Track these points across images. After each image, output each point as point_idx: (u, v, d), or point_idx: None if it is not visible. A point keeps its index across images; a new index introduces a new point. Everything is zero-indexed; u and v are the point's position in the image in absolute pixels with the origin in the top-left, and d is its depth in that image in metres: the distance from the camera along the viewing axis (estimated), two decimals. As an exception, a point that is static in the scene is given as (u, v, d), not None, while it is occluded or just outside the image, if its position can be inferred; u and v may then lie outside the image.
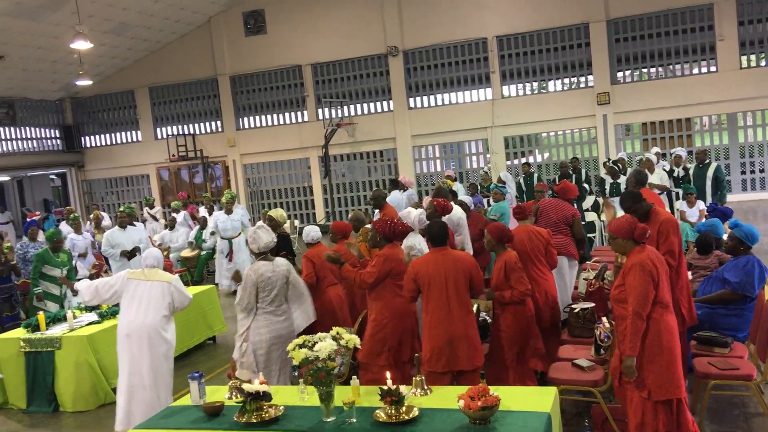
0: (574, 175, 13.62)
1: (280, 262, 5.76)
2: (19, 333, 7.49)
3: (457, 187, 13.22)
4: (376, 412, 4.02)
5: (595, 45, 18.18)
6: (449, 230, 7.01)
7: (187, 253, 13.87)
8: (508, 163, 19.53)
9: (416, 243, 6.19)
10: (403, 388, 3.98)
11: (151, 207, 16.71)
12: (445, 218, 7.13)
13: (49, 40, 17.89)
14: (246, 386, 4.26)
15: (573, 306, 6.11)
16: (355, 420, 4.00)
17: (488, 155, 19.67)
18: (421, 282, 5.08)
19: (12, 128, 21.82)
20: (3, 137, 21.55)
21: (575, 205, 8.51)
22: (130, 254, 10.55)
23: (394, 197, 11.73)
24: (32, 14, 16.32)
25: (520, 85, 19.24)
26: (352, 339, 4.30)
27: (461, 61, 19.53)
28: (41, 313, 7.72)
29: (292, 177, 21.82)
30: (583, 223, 10.83)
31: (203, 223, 14.07)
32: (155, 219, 16.25)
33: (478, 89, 19.63)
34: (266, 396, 4.26)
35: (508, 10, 18.76)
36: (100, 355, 7.13)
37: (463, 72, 19.57)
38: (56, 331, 7.34)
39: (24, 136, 22.43)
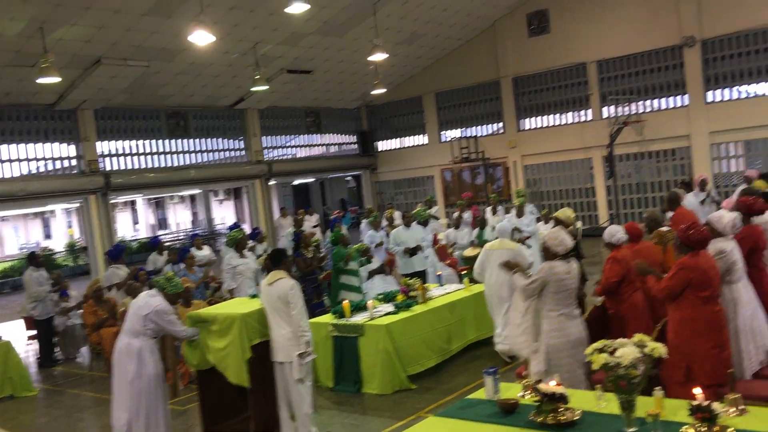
0: None
1: (575, 264, 5.75)
2: (328, 318, 8.35)
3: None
4: (682, 429, 3.76)
5: None
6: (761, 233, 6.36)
7: (469, 252, 14.28)
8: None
9: (727, 248, 5.66)
10: (716, 405, 3.67)
11: (431, 207, 17.46)
12: (756, 219, 6.50)
13: (350, 54, 19.66)
14: (542, 386, 4.27)
15: None
16: (660, 433, 3.79)
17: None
18: None
19: (317, 135, 24.42)
20: (310, 143, 24.20)
21: None
22: (413, 251, 11.22)
23: (689, 200, 10.92)
24: (337, 31, 18.08)
25: None
26: (657, 348, 4.07)
27: (771, 48, 17.42)
28: (347, 301, 8.51)
29: (574, 178, 21.31)
30: None
31: (483, 223, 14.34)
32: (435, 218, 16.97)
33: (793, 78, 17.34)
34: (563, 398, 4.22)
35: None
36: (397, 344, 7.67)
37: (773, 59, 17.44)
38: (359, 318, 8.05)
39: (327, 142, 24.98)
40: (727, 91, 18.37)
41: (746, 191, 7.91)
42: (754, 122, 17.52)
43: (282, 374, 6.37)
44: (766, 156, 18.55)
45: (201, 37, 12.55)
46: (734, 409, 3.96)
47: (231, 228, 11.75)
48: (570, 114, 21.09)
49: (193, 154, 20.25)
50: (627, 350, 3.99)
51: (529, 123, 21.96)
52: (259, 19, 15.94)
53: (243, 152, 21.59)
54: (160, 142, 19.33)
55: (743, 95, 18.28)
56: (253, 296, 7.53)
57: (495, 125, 22.73)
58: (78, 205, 19.22)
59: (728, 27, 17.77)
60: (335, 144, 25.44)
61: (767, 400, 4.70)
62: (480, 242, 14.34)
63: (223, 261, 10.30)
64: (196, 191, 31.57)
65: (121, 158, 18.38)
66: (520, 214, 12.90)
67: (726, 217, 5.85)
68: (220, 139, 21.04)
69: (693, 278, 5.15)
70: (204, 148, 20.61)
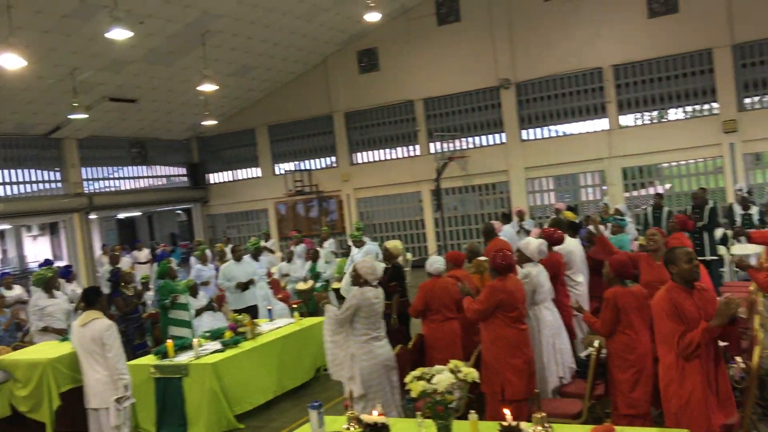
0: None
1: (381, 290, 6.00)
2: (149, 360, 7.89)
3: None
4: (496, 449, 3.94)
5: (720, 71, 17.36)
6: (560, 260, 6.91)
7: (302, 285, 14.20)
8: (627, 194, 18.86)
9: (532, 273, 6.10)
10: (524, 425, 3.88)
11: (267, 239, 17.29)
12: (556, 248, 7.08)
13: (178, 83, 19.10)
14: (364, 417, 4.30)
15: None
16: (474, 456, 3.93)
17: (604, 187, 19.10)
18: None
19: (143, 167, 23.37)
20: (135, 175, 23.11)
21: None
22: (245, 286, 10.97)
23: (506, 231, 11.63)
24: (164, 60, 17.51)
25: (638, 115, 18.64)
26: (470, 372, 4.24)
27: (575, 92, 19.16)
28: (170, 340, 8.10)
29: (404, 210, 22.00)
30: (715, 258, 10.30)
31: (315, 256, 14.37)
32: (271, 251, 16.80)
33: (593, 119, 19.16)
34: (384, 428, 4.26)
35: (624, 38, 18.28)
36: (224, 383, 7.40)
37: (577, 102, 19.19)
38: (183, 358, 7.69)
39: (154, 174, 23.97)
40: (539, 130, 19.92)
41: (554, 222, 8.56)
42: (563, 159, 19.12)
43: (97, 422, 5.93)
44: (574, 190, 20.29)
45: (10, 61, 11.64)
46: (540, 427, 4.20)
47: (41, 265, 10.85)
48: (400, 149, 21.84)
49: (0, 186, 18.60)
50: (443, 376, 4.13)
51: (362, 157, 22.45)
52: (78, 43, 15.09)
53: (59, 184, 20.15)
54: (-38, 172, 17.59)
55: (553, 134, 19.91)
56: (64, 339, 6.97)
57: (328, 159, 23.02)
58: None
59: (539, 72, 19.36)
60: (163, 176, 24.48)
61: (571, 417, 5.05)
62: (312, 275, 14.35)
63: (30, 301, 9.50)
64: (5, 226, 28.92)
65: None
66: (359, 245, 13.10)
67: (533, 243, 6.31)
68: (32, 170, 19.50)
69: (502, 300, 5.50)
70: (14, 180, 19.01)
